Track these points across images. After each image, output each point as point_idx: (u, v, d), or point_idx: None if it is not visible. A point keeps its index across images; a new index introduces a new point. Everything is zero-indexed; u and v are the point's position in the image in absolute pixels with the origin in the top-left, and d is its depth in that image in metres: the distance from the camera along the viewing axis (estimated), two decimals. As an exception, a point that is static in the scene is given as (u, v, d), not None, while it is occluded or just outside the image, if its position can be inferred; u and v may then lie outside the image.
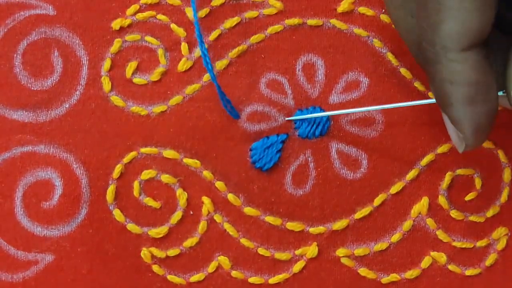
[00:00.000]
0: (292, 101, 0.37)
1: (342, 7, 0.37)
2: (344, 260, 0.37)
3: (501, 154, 0.37)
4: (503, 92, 0.30)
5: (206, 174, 0.36)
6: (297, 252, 0.37)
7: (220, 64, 0.37)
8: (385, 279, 0.37)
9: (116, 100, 0.37)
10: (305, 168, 0.37)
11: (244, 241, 0.36)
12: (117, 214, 0.36)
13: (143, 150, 0.37)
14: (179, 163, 0.37)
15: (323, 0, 0.37)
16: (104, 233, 0.36)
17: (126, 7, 0.37)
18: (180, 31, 0.37)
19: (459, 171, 0.37)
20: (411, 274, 0.37)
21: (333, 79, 0.37)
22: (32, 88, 0.37)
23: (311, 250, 0.36)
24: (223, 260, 0.36)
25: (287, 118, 0.37)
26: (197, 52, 0.37)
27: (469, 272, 0.37)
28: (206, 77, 0.37)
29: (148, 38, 0.37)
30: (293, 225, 0.37)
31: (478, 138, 0.30)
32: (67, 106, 0.37)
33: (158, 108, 0.37)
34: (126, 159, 0.36)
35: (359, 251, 0.37)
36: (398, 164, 0.37)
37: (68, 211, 0.36)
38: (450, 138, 0.36)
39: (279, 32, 0.37)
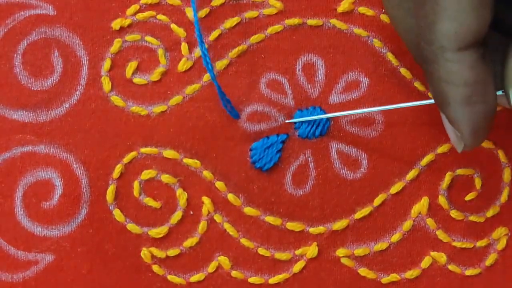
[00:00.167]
0: (292, 101, 0.37)
1: (342, 7, 0.37)
2: (344, 260, 0.37)
3: (501, 154, 0.37)
4: (502, 92, 0.30)
5: (206, 174, 0.36)
6: (297, 252, 0.37)
7: (220, 64, 0.37)
8: (385, 279, 0.37)
9: (116, 100, 0.37)
10: (305, 168, 0.37)
11: (244, 241, 0.36)
12: (117, 214, 0.36)
13: (143, 150, 0.37)
14: (179, 163, 0.37)
15: (323, 0, 0.37)
16: (104, 233, 0.36)
17: (126, 7, 0.37)
18: (180, 31, 0.37)
19: (459, 171, 0.37)
20: (411, 274, 0.37)
21: (333, 79, 0.37)
22: (32, 88, 0.37)
23: (311, 250, 0.36)
24: (223, 260, 0.36)
25: (286, 121, 0.37)
26: (197, 52, 0.37)
27: (469, 272, 0.37)
28: (206, 77, 0.37)
29: (148, 38, 0.37)
30: (293, 225, 0.37)
31: (477, 138, 0.30)
32: (67, 106, 0.37)
33: (158, 108, 0.37)
34: (126, 159, 0.36)
35: (359, 251, 0.37)
36: (398, 164, 0.37)
37: (68, 211, 0.36)
38: (450, 138, 0.36)
39: (279, 32, 0.37)
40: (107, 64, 0.37)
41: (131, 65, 0.37)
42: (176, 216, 0.36)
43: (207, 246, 0.37)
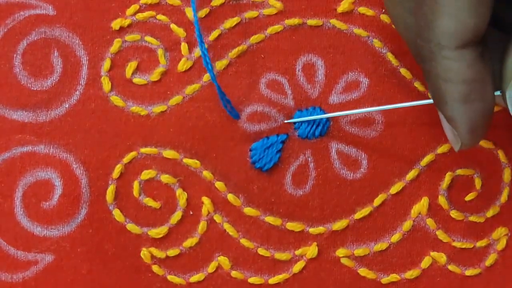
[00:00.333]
0: (292, 101, 0.37)
1: (342, 7, 0.37)
2: (344, 260, 0.37)
3: (501, 154, 0.37)
4: (499, 92, 0.30)
5: (206, 174, 0.36)
6: (297, 252, 0.37)
7: (220, 64, 0.37)
8: (385, 279, 0.37)
9: (116, 100, 0.37)
10: (305, 168, 0.37)
11: (244, 241, 0.36)
12: (117, 214, 0.36)
13: (143, 150, 0.37)
14: (179, 163, 0.37)
15: (323, 0, 0.37)
16: (104, 233, 0.36)
17: (126, 7, 0.37)
18: (180, 31, 0.37)
19: (459, 171, 0.37)
20: (411, 274, 0.37)
21: (333, 79, 0.37)
22: (32, 88, 0.37)
23: (311, 250, 0.36)
24: (223, 260, 0.36)
25: (285, 121, 0.37)
26: (197, 52, 0.37)
27: (469, 272, 0.37)
28: (206, 77, 0.37)
29: (148, 38, 0.37)
30: (293, 225, 0.37)
31: (474, 137, 0.30)
32: (67, 106, 0.37)
33: (158, 108, 0.37)
34: (126, 159, 0.36)
35: (359, 251, 0.37)
36: (398, 164, 0.37)
37: (68, 211, 0.36)
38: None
39: (279, 32, 0.37)
40: (107, 64, 0.37)
41: (131, 65, 0.37)
42: (176, 216, 0.36)
43: (207, 246, 0.37)
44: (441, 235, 0.37)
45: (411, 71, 0.37)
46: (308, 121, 0.36)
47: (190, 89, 0.37)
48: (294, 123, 0.37)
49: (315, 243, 0.37)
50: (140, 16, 0.37)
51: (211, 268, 0.36)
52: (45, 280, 0.36)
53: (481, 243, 0.37)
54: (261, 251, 0.36)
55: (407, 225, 0.37)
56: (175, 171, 0.36)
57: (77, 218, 0.36)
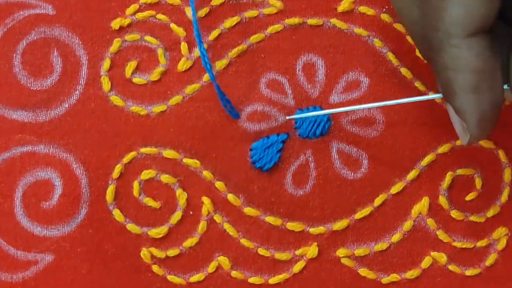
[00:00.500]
0: (292, 101, 0.37)
1: (342, 7, 0.37)
2: (344, 261, 0.37)
3: (501, 154, 0.37)
4: (507, 86, 0.30)
5: (206, 174, 0.36)
6: (297, 252, 0.37)
7: (220, 64, 0.37)
8: (385, 279, 0.37)
9: (116, 100, 0.37)
10: (306, 168, 0.37)
11: (244, 241, 0.36)
12: (117, 214, 0.36)
13: (143, 150, 0.36)
14: (179, 163, 0.36)
15: (324, -1, 0.37)
16: (103, 233, 0.36)
17: (126, 6, 0.37)
18: (179, 31, 0.37)
19: (460, 171, 0.37)
20: (411, 274, 0.37)
21: (333, 79, 0.37)
22: (32, 88, 0.37)
23: (311, 250, 0.36)
24: (223, 260, 0.36)
25: (288, 117, 0.36)
26: (197, 52, 0.37)
27: (469, 272, 0.37)
28: (206, 77, 0.37)
29: (148, 37, 0.37)
30: (293, 225, 0.36)
31: (483, 129, 0.30)
32: (67, 106, 0.37)
33: (157, 108, 0.37)
34: (126, 159, 0.36)
35: (360, 251, 0.37)
36: (398, 164, 0.37)
37: (67, 211, 0.36)
38: (450, 138, 0.36)
39: (279, 31, 0.37)
40: (106, 63, 0.37)
41: (131, 65, 0.37)
42: (176, 216, 0.36)
43: (207, 246, 0.36)
44: (441, 235, 0.37)
45: (412, 70, 0.37)
46: (309, 121, 0.36)
47: (190, 89, 0.37)
48: (295, 122, 0.36)
49: (315, 243, 0.37)
50: (139, 15, 0.37)
51: (211, 268, 0.36)
52: (45, 280, 0.36)
53: (481, 243, 0.37)
54: (261, 251, 0.36)
55: (407, 225, 0.37)
56: (175, 171, 0.36)
57: (77, 218, 0.36)
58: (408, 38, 0.37)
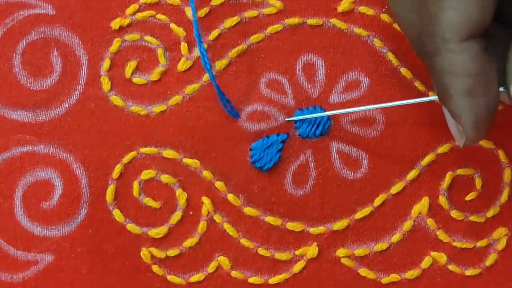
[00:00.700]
0: (292, 101, 0.37)
1: (342, 7, 0.37)
2: (344, 260, 0.37)
3: (501, 154, 0.37)
4: (503, 88, 0.30)
5: (206, 174, 0.36)
6: (297, 252, 0.37)
7: (219, 64, 0.37)
8: (385, 279, 0.37)
9: (116, 100, 0.37)
10: (306, 168, 0.37)
11: (244, 241, 0.36)
12: (117, 214, 0.36)
13: (143, 150, 0.36)
14: (179, 163, 0.36)
15: (323, -1, 0.37)
16: (103, 233, 0.36)
17: (126, 6, 0.37)
18: (179, 31, 0.37)
19: (460, 171, 0.37)
20: (411, 274, 0.37)
21: (333, 79, 0.37)
22: (32, 88, 0.37)
23: (311, 250, 0.36)
24: (223, 260, 0.36)
25: (286, 119, 0.36)
26: (197, 52, 0.37)
27: (469, 272, 0.37)
28: (206, 77, 0.37)
29: (148, 37, 0.37)
30: (293, 225, 0.36)
31: (478, 131, 0.30)
32: (67, 106, 0.37)
33: (157, 108, 0.37)
34: (126, 159, 0.36)
35: (359, 251, 0.37)
36: (398, 164, 0.37)
37: (67, 211, 0.36)
38: (450, 138, 0.36)
39: (279, 31, 0.37)
40: (106, 63, 0.37)
41: (131, 65, 0.37)
42: (176, 216, 0.36)
43: (207, 246, 0.36)
44: (441, 235, 0.37)
45: (412, 70, 0.37)
46: (309, 121, 0.36)
47: (190, 88, 0.37)
48: (295, 122, 0.36)
49: (315, 243, 0.37)
50: (139, 15, 0.37)
51: (211, 268, 0.36)
52: (45, 280, 0.36)
53: (481, 243, 0.37)
54: (261, 251, 0.36)
55: (407, 225, 0.37)
56: (175, 171, 0.36)
57: (77, 218, 0.36)
58: (408, 38, 0.37)
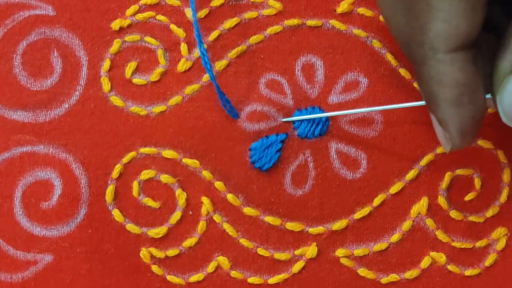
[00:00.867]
0: (292, 101, 0.37)
1: (341, 8, 0.37)
2: (344, 260, 0.36)
3: (500, 155, 0.37)
4: (491, 95, 0.30)
5: (206, 174, 0.36)
6: (297, 252, 0.37)
7: (219, 65, 0.37)
8: (384, 279, 0.37)
9: (116, 100, 0.37)
10: (305, 168, 0.37)
11: (243, 241, 0.36)
12: (116, 214, 0.36)
13: (143, 150, 0.37)
14: (179, 163, 0.37)
15: (323, 0, 0.37)
16: (103, 233, 0.36)
17: (126, 7, 0.37)
18: (179, 32, 0.37)
19: (459, 171, 0.37)
20: (410, 274, 0.37)
21: (332, 80, 0.37)
22: (32, 89, 0.37)
23: (311, 250, 0.36)
24: (222, 260, 0.36)
25: (283, 119, 0.37)
26: (197, 52, 0.37)
27: (469, 272, 0.37)
28: (206, 77, 0.37)
29: (148, 38, 0.37)
30: (293, 225, 0.36)
31: (464, 139, 0.30)
32: (67, 106, 0.37)
33: (157, 108, 0.37)
34: (126, 159, 0.36)
35: (359, 251, 0.37)
36: (397, 164, 0.37)
37: (67, 211, 0.36)
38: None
39: (279, 32, 0.37)
40: (106, 64, 0.37)
41: (131, 66, 0.37)
42: (175, 216, 0.36)
43: (207, 246, 0.36)
44: (440, 235, 0.37)
45: (410, 71, 0.37)
46: (308, 121, 0.36)
47: (189, 89, 0.37)
48: (294, 122, 0.37)
49: (314, 243, 0.37)
50: (139, 16, 0.37)
51: (210, 268, 0.36)
52: (44, 280, 0.36)
53: (480, 243, 0.37)
54: (261, 251, 0.36)
55: (406, 225, 0.37)
56: (174, 171, 0.36)
57: (76, 218, 0.36)
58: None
